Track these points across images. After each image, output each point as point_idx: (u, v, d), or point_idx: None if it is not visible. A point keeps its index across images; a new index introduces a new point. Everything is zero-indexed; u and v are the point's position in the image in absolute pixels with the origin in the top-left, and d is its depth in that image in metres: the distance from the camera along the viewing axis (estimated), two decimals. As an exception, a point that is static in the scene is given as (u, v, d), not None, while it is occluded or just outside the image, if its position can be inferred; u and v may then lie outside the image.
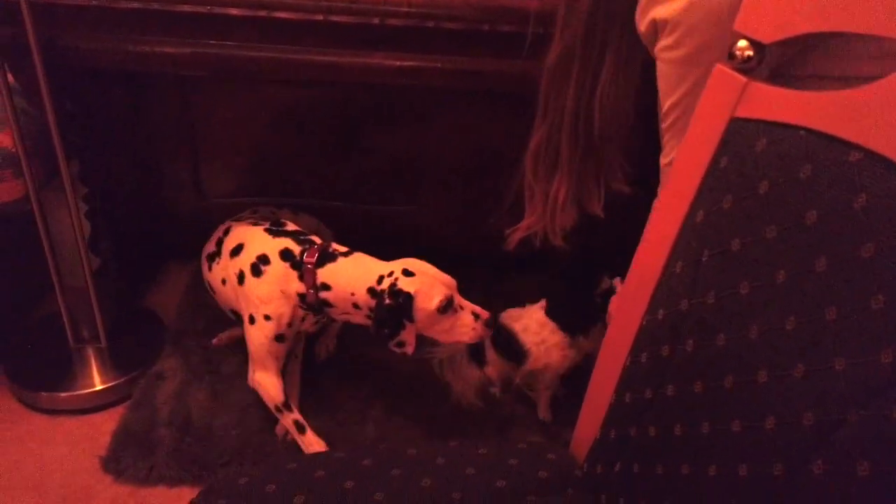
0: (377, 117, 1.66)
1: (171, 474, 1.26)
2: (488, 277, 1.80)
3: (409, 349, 1.22)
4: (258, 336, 1.30)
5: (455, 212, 1.80)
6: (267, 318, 1.28)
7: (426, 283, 1.20)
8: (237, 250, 1.34)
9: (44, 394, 1.41)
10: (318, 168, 1.73)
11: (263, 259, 1.28)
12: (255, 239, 1.33)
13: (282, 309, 1.28)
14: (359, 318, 1.27)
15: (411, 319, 1.19)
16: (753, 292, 0.57)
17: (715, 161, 0.63)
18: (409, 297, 1.18)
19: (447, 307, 1.20)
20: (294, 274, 1.26)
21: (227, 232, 1.41)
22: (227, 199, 1.75)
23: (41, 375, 1.44)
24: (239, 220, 1.48)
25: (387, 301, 1.18)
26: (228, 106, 1.62)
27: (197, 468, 1.27)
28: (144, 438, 1.32)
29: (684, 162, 0.67)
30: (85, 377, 1.44)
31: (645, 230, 0.73)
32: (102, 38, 1.18)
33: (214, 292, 1.43)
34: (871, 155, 0.49)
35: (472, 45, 1.26)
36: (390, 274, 1.21)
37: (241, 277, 1.30)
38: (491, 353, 1.46)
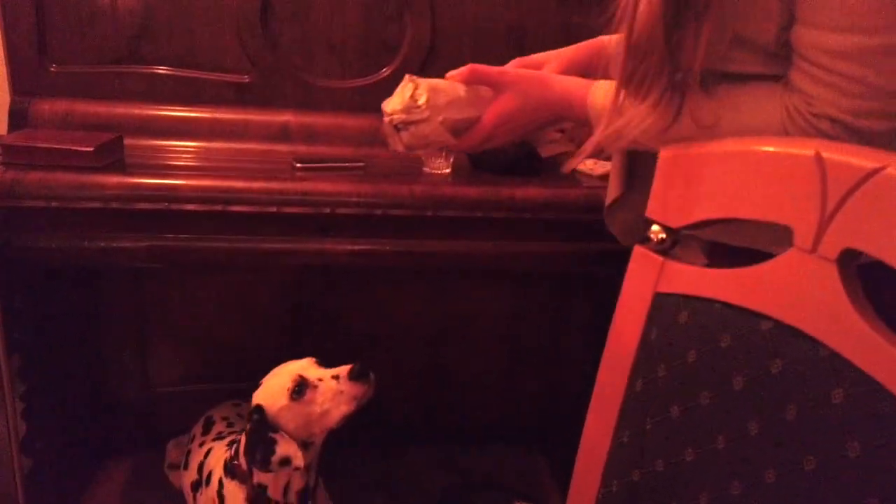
0: (329, 297, 1.70)
1: None
2: (445, 452, 1.76)
3: (298, 462, 1.09)
4: None
5: (410, 383, 1.80)
6: None
7: (270, 383, 1.12)
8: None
9: None
10: (269, 351, 1.71)
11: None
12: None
13: None
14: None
15: (276, 430, 1.09)
16: (698, 459, 0.59)
17: (646, 333, 0.68)
18: (259, 409, 1.10)
19: (300, 390, 1.09)
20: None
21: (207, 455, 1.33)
22: (173, 387, 1.70)
23: None
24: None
25: (247, 427, 1.11)
26: (180, 293, 1.64)
27: None
28: None
29: (618, 334, 0.71)
30: None
31: (591, 401, 0.75)
32: (59, 237, 1.22)
33: None
34: (778, 324, 0.55)
35: (419, 229, 1.34)
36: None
37: None
38: None
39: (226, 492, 1.20)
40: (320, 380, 1.10)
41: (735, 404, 0.56)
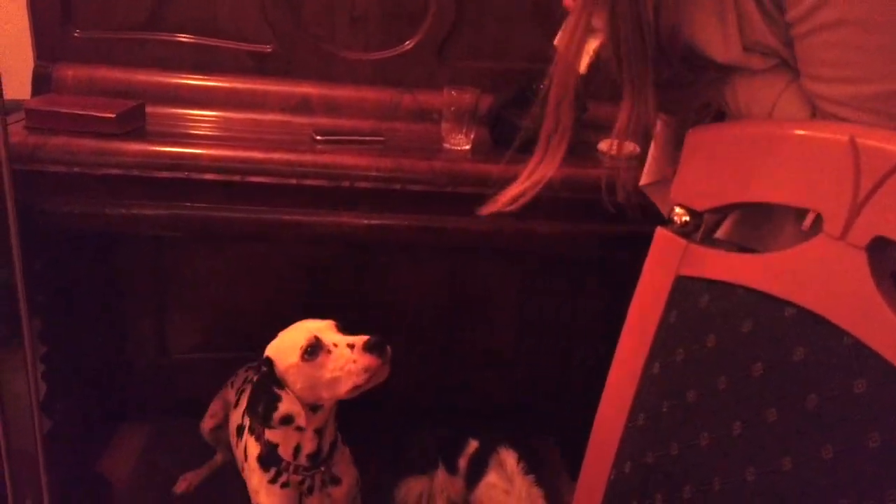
0: (345, 270, 1.71)
1: None
2: (455, 429, 1.77)
3: (301, 421, 1.06)
4: None
5: (422, 360, 1.81)
6: None
7: (284, 338, 1.09)
8: None
9: (-27, 575, 1.28)
10: (284, 322, 1.73)
11: None
12: None
13: None
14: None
15: (282, 386, 1.06)
16: (713, 444, 0.59)
17: (665, 316, 0.67)
18: (269, 361, 1.07)
19: (313, 351, 1.05)
20: None
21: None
22: (189, 354, 1.73)
23: (-27, 553, 1.32)
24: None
25: (254, 379, 1.09)
26: (199, 261, 1.65)
27: None
28: None
29: (637, 316, 0.71)
30: (22, 554, 1.32)
31: (606, 382, 0.75)
32: (81, 202, 1.23)
33: None
34: (802, 311, 0.54)
35: (436, 205, 1.34)
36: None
37: None
38: None
39: (248, 447, 1.20)
40: (335, 345, 1.06)
41: (754, 391, 0.56)
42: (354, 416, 1.82)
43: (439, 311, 1.76)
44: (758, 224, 0.74)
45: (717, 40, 0.65)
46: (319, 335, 1.06)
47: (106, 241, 1.59)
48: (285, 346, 1.07)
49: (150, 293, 1.66)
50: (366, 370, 1.04)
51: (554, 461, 1.77)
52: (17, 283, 1.23)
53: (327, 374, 1.05)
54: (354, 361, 1.04)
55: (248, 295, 1.70)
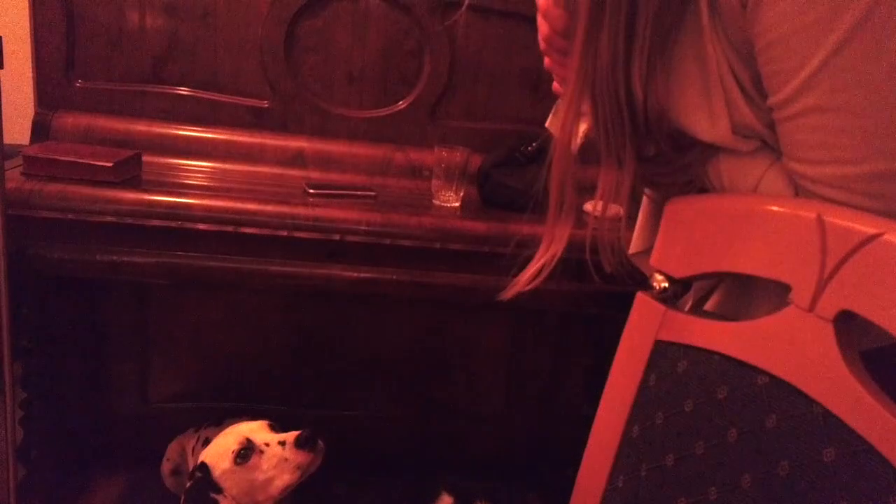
0: (332, 321, 1.71)
1: None
2: (437, 483, 1.75)
3: None
4: None
5: (406, 412, 1.80)
6: None
7: (217, 443, 1.08)
8: None
9: None
10: (267, 373, 1.73)
11: None
12: None
13: None
14: None
15: (220, 490, 1.04)
16: (690, 509, 0.60)
17: (645, 379, 0.69)
18: (203, 467, 1.05)
19: (246, 454, 1.04)
20: None
21: None
22: (171, 403, 1.71)
23: None
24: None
25: (188, 485, 1.07)
26: (185, 310, 1.65)
27: None
28: None
29: (618, 378, 0.72)
30: None
31: (588, 442, 0.75)
32: (73, 249, 1.24)
33: None
34: (775, 380, 0.56)
35: (425, 260, 1.36)
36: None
37: None
38: None
39: None
40: (267, 444, 1.06)
41: (729, 456, 0.57)
42: (336, 471, 1.80)
43: (426, 363, 1.77)
44: (744, 295, 0.76)
45: (703, 121, 0.67)
46: (251, 437, 1.06)
47: (91, 287, 1.60)
48: (219, 451, 1.07)
49: (133, 340, 1.66)
50: (298, 467, 1.05)
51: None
52: (2, 327, 1.23)
53: (261, 476, 1.05)
54: (286, 460, 1.04)
55: (232, 344, 1.69)
